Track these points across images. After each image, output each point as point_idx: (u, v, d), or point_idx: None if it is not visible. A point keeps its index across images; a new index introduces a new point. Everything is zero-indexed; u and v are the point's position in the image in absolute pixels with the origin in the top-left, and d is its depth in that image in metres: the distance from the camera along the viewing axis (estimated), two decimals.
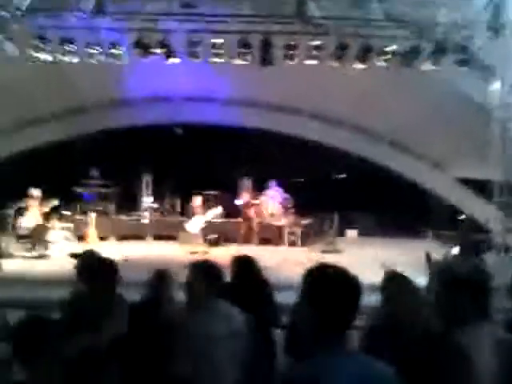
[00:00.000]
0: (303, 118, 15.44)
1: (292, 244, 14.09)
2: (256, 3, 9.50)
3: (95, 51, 8.95)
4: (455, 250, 11.34)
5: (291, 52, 9.85)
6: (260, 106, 15.14)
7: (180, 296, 4.09)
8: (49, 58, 8.98)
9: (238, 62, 9.53)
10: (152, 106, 14.16)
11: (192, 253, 11.73)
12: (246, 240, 14.10)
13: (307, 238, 14.45)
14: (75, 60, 9.12)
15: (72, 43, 8.83)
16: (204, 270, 3.58)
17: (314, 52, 9.87)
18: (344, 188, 15.67)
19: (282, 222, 14.41)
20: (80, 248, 12.32)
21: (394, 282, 3.39)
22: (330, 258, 12.28)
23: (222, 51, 9.38)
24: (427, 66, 10.35)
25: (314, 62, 9.96)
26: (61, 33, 8.81)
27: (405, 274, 3.52)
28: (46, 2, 8.49)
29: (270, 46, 9.61)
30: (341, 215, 14.64)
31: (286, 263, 11.24)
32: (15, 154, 14.39)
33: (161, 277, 4.33)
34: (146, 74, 11.73)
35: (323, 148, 15.45)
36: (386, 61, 10.12)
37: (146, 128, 14.56)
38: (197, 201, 13.17)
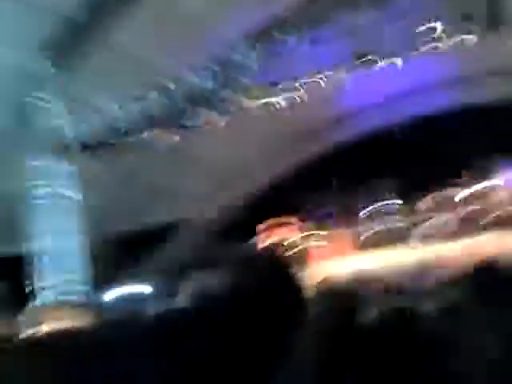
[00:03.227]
0: None
1: None
2: None
3: (319, 79, 9.43)
4: None
5: None
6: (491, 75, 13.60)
7: None
8: (283, 101, 9.83)
9: (464, 38, 8.82)
10: (378, 110, 14.13)
11: None
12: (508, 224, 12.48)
13: None
14: (304, 96, 9.75)
15: (299, 82, 9.52)
16: None
17: None
18: None
19: None
20: (338, 263, 12.98)
21: None
22: None
23: (442, 35, 8.84)
24: None
25: None
26: (288, 76, 9.60)
27: None
28: (269, 55, 9.37)
29: (496, 7, 8.63)
30: None
31: None
32: None
33: None
34: (363, 84, 11.74)
35: None
36: None
37: (372, 135, 14.59)
38: (454, 193, 11.58)
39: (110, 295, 12.96)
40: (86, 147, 11.74)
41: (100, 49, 11.31)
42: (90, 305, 9.68)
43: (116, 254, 14.85)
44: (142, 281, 13.85)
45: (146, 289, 13.62)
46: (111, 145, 11.75)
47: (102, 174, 13.46)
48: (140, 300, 12.56)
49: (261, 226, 13.00)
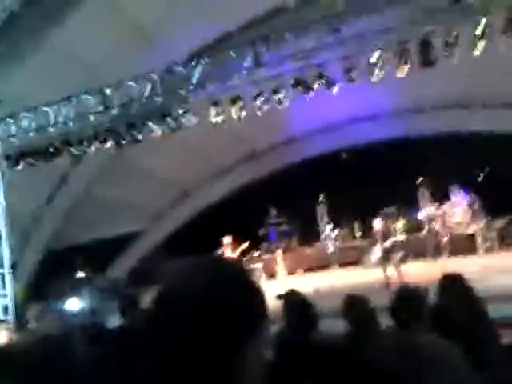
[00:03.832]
0: (472, 110, 14.19)
1: (489, 250, 12.78)
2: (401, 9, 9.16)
3: (260, 102, 9.48)
4: None
5: (452, 45, 9.15)
6: (423, 111, 14.40)
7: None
8: (222, 118, 9.78)
9: (399, 71, 9.19)
10: (318, 136, 14.47)
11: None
12: (436, 253, 13.32)
13: (505, 241, 12.94)
14: (243, 114, 9.75)
15: (239, 101, 9.51)
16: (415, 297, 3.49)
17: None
18: None
19: (473, 228, 13.20)
20: (270, 285, 13.02)
21: None
22: None
23: (378, 66, 9.16)
24: None
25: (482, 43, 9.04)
26: (228, 94, 9.57)
27: None
28: (212, 70, 9.33)
29: (429, 46, 9.08)
30: None
31: (497, 272, 10.07)
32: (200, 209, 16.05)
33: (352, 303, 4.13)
34: (308, 107, 11.95)
35: (500, 136, 13.82)
36: None
37: (314, 159, 14.92)
38: (376, 224, 12.19)
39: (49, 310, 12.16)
40: (19, 154, 11.09)
41: (38, 48, 10.81)
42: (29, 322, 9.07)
43: (52, 268, 14.08)
44: (80, 296, 13.17)
45: (82, 304, 13.00)
46: (46, 152, 11.15)
47: (35, 186, 12.77)
48: (79, 316, 11.98)
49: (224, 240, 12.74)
